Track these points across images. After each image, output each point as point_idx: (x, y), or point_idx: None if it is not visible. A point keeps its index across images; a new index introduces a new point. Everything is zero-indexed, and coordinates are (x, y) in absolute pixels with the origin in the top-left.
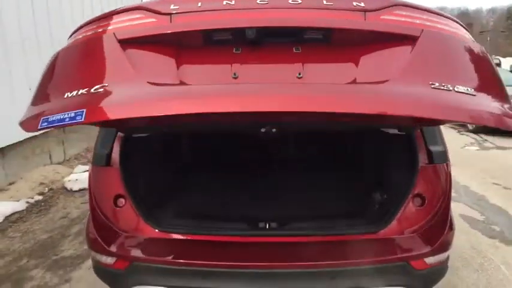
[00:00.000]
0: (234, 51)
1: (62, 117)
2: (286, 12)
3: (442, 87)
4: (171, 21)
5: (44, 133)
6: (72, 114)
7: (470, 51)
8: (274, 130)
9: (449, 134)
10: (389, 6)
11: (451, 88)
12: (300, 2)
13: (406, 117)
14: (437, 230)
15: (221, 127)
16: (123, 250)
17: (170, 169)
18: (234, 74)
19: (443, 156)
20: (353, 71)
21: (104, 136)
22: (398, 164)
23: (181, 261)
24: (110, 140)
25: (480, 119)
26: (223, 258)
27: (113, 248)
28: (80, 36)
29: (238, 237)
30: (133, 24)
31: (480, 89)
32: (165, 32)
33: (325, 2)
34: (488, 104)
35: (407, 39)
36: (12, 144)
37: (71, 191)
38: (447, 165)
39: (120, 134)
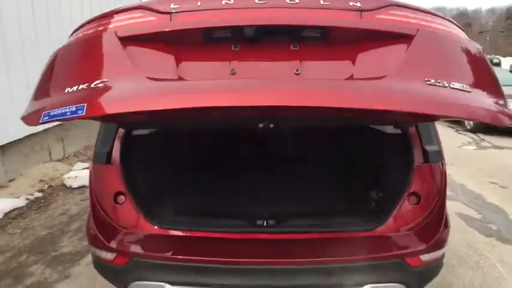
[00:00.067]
0: (232, 48)
1: (63, 111)
2: (284, 11)
3: (438, 84)
4: (171, 20)
5: (43, 130)
6: (74, 109)
7: (465, 49)
8: (271, 126)
9: (447, 133)
10: (384, 6)
11: (446, 85)
12: (297, 1)
13: (402, 113)
14: (433, 227)
15: (219, 124)
16: (123, 246)
17: (169, 167)
18: (232, 70)
19: (439, 155)
20: (350, 68)
21: (104, 134)
22: (395, 163)
23: (180, 257)
24: (110, 138)
25: (475, 115)
26: (221, 254)
27: (113, 244)
28: (81, 34)
29: (236, 234)
30: (133, 23)
31: (475, 85)
32: (165, 30)
33: (322, 2)
34: (483, 101)
35: (403, 38)
36: (12, 142)
37: (70, 188)
38: (442, 164)
39: (120, 132)
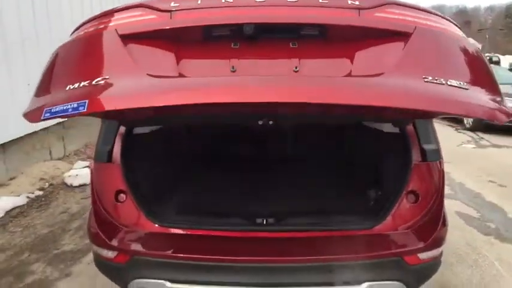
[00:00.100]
0: (232, 46)
1: (65, 107)
2: (283, 9)
3: (435, 81)
4: (171, 18)
5: (44, 129)
6: (75, 105)
7: (462, 47)
8: (271, 123)
9: (446, 132)
10: (382, 5)
11: (443, 82)
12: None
13: (399, 110)
14: (431, 226)
15: (219, 122)
16: (124, 244)
17: (170, 165)
18: (232, 67)
19: (437, 154)
20: (348, 65)
21: (105, 133)
22: (393, 162)
23: (181, 255)
24: (111, 136)
25: (472, 112)
26: (221, 252)
27: (114, 242)
28: (83, 32)
29: (236, 232)
30: (134, 21)
31: (473, 83)
32: (165, 27)
33: (320, 0)
34: (481, 98)
35: (401, 36)
36: (12, 140)
37: (71, 187)
38: (440, 163)
39: (121, 131)
